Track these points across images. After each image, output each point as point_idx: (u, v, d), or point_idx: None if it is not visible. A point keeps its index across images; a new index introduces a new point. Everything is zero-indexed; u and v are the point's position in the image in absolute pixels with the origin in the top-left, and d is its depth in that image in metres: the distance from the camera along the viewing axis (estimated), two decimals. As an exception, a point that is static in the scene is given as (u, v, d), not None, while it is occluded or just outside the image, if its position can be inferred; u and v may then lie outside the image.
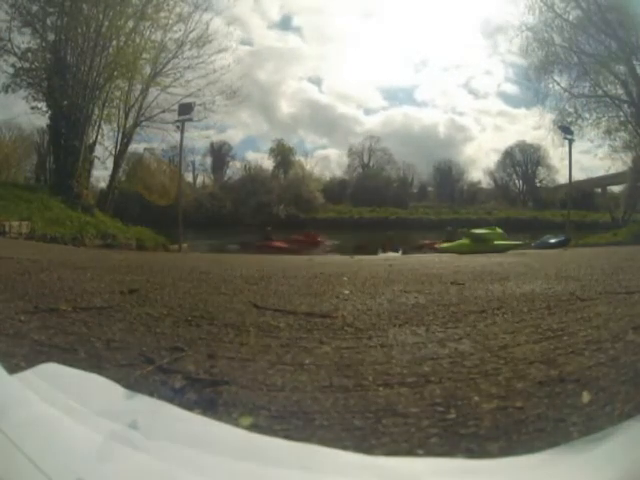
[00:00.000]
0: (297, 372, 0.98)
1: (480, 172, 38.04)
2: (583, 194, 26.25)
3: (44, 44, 12.29)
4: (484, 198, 35.33)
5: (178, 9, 14.29)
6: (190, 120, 12.62)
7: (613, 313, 1.58)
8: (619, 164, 16.46)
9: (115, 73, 13.07)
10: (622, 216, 16.02)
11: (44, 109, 12.55)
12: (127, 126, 14.78)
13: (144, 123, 15.29)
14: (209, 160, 34.20)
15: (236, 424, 0.70)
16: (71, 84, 12.11)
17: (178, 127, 12.80)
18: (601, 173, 20.71)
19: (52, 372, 0.78)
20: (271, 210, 26.79)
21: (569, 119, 15.67)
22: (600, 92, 15.55)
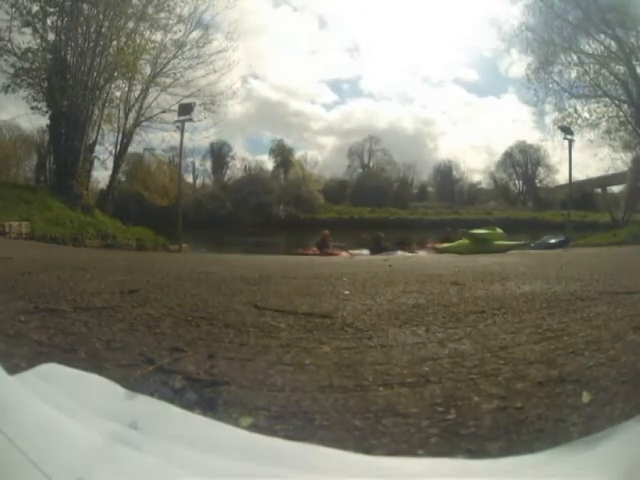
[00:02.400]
0: (297, 372, 0.98)
1: (469, 170, 37.75)
2: (583, 194, 26.26)
3: (44, 44, 12.29)
4: (484, 198, 35.35)
5: (178, 10, 14.31)
6: (190, 120, 12.61)
7: (613, 313, 1.58)
8: (619, 164, 16.49)
9: (115, 73, 13.06)
10: (622, 216, 16.01)
11: (44, 109, 12.55)
12: (127, 126, 14.78)
13: (144, 123, 15.30)
14: (209, 160, 34.24)
15: (236, 424, 0.70)
16: (71, 84, 12.10)
17: (178, 127, 12.80)
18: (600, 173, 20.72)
19: (52, 372, 0.78)
20: (271, 210, 26.81)
21: (569, 119, 15.69)
22: (600, 92, 15.56)
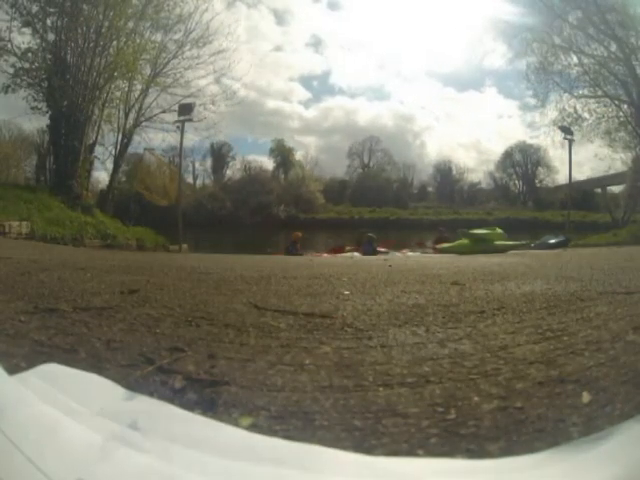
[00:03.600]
0: (297, 372, 0.98)
1: (458, 169, 37.33)
2: (583, 194, 26.26)
3: (44, 44, 12.29)
4: (484, 198, 35.36)
5: (178, 10, 14.31)
6: (190, 120, 12.63)
7: (613, 313, 1.58)
8: (619, 164, 16.49)
9: (115, 73, 13.06)
10: (622, 216, 16.01)
11: (44, 109, 12.56)
12: (127, 126, 14.80)
13: (144, 123, 15.31)
14: (209, 161, 34.26)
15: (236, 424, 0.70)
16: (71, 84, 12.11)
17: (178, 127, 12.81)
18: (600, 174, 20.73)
19: (52, 372, 0.78)
20: (271, 210, 26.81)
21: (569, 119, 15.69)
22: (600, 92, 15.56)
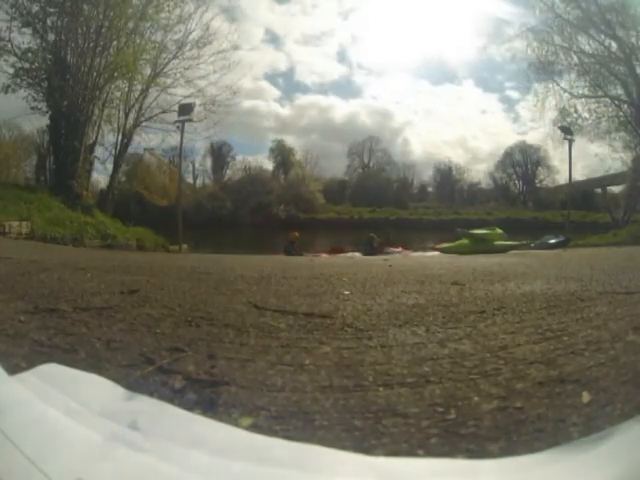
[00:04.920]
0: (297, 372, 0.98)
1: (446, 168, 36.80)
2: (583, 194, 26.25)
3: (44, 44, 12.29)
4: (484, 198, 35.33)
5: (178, 10, 14.32)
6: (190, 121, 12.63)
7: (613, 313, 1.58)
8: (619, 164, 16.50)
9: (115, 74, 13.06)
10: (622, 216, 16.01)
11: (44, 109, 12.56)
12: (127, 126, 14.79)
13: (144, 123, 15.31)
14: (209, 161, 34.25)
15: (236, 424, 0.70)
16: (71, 84, 12.10)
17: (178, 127, 12.81)
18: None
19: (52, 372, 0.78)
20: (271, 210, 26.79)
21: (569, 119, 15.69)
22: (600, 92, 15.56)
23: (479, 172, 37.77)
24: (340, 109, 49.72)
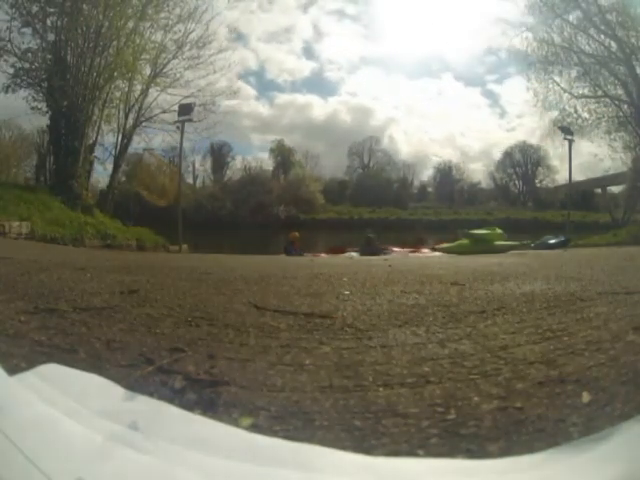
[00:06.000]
0: (297, 372, 0.98)
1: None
2: (583, 194, 26.26)
3: (44, 44, 12.29)
4: (484, 199, 35.35)
5: (178, 10, 14.31)
6: (190, 121, 12.63)
7: (613, 313, 1.58)
8: (619, 164, 16.49)
9: (115, 74, 13.05)
10: (622, 216, 16.01)
11: (44, 109, 12.55)
12: (127, 127, 14.78)
13: (144, 124, 15.31)
14: (209, 161, 34.29)
15: (236, 424, 0.70)
16: (71, 84, 12.09)
17: (178, 128, 12.81)
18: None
19: (52, 373, 0.78)
20: (271, 210, 26.80)
21: (569, 119, 15.69)
22: (600, 92, 15.56)
23: (474, 171, 37.65)
24: (319, 107, 49.14)
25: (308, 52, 54.42)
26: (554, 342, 1.21)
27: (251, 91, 47.42)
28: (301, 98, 46.26)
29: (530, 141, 31.14)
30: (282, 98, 45.63)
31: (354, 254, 8.73)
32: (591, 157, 16.30)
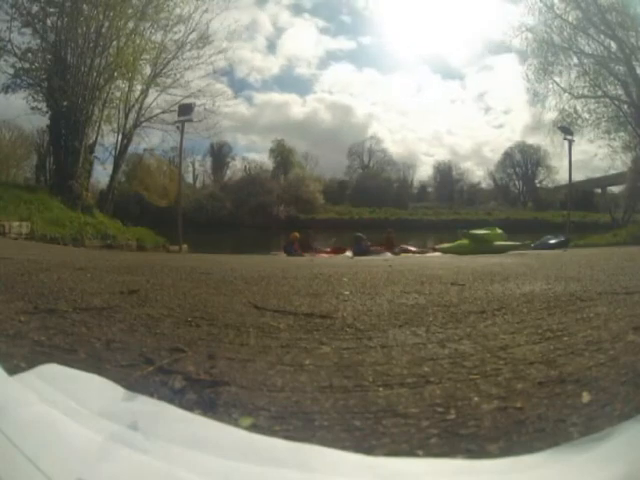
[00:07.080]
0: (297, 373, 0.98)
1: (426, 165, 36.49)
2: (583, 194, 26.27)
3: (44, 44, 12.31)
4: (484, 199, 35.37)
5: (178, 10, 14.32)
6: (190, 121, 12.63)
7: (613, 313, 1.58)
8: (619, 164, 16.51)
9: (115, 74, 13.08)
10: (622, 216, 16.02)
11: (44, 109, 12.58)
12: (127, 127, 14.80)
13: (144, 124, 15.32)
14: (209, 161, 34.32)
15: (236, 425, 0.70)
16: (71, 84, 12.12)
17: (178, 128, 12.82)
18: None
19: (52, 373, 0.78)
20: (271, 211, 26.81)
21: (569, 119, 15.69)
22: (600, 92, 15.57)
23: (467, 171, 37.54)
24: (297, 106, 48.43)
25: (272, 49, 54.14)
26: (554, 342, 1.21)
27: (227, 90, 47.04)
28: (278, 97, 45.79)
29: (528, 141, 31.18)
30: (258, 98, 44.95)
31: (349, 253, 8.73)
32: (586, 155, 16.32)
